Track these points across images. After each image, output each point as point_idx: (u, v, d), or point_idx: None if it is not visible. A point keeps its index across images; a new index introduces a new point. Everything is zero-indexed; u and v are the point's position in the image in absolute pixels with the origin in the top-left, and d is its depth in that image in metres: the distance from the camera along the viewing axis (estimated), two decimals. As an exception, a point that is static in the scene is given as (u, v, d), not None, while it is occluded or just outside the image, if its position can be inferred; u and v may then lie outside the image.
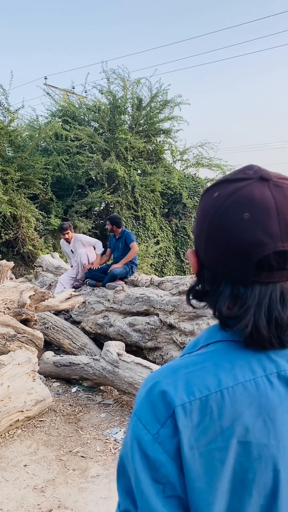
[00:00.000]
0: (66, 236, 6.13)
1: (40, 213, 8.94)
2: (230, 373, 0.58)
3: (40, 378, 3.78)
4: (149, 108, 11.35)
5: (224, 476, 0.55)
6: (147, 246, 10.56)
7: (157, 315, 4.78)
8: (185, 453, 0.55)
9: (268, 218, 0.58)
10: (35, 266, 7.60)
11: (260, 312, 0.59)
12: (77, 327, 5.40)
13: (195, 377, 0.59)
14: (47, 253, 8.11)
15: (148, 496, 0.55)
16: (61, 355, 4.61)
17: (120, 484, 0.62)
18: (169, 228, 11.92)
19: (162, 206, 11.90)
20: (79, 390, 4.09)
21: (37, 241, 8.68)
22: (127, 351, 4.17)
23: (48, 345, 4.98)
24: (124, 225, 10.17)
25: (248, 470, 0.56)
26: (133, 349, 4.85)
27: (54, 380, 4.31)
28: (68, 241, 6.19)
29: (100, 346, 4.88)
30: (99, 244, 6.29)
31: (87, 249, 6.15)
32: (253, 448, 0.56)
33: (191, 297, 0.68)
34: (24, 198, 8.54)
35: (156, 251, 10.90)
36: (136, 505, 0.58)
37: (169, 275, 10.97)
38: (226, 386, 0.57)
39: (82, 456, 2.95)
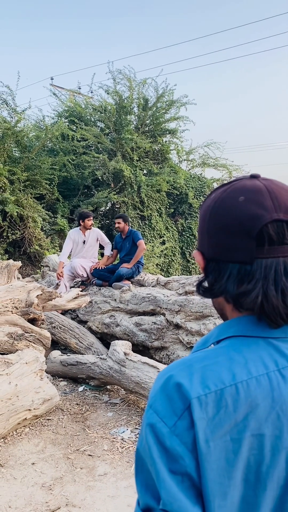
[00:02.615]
0: (90, 223, 6.03)
1: (46, 213, 8.97)
2: (244, 367, 0.60)
3: (47, 377, 3.81)
4: (155, 108, 11.35)
5: (238, 468, 0.57)
6: (153, 246, 10.56)
7: (164, 315, 4.79)
8: (200, 445, 0.56)
9: (261, 196, 0.64)
10: (41, 266, 7.63)
11: (268, 284, 0.62)
12: (83, 326, 5.42)
13: (210, 371, 0.60)
14: (54, 253, 8.14)
15: (170, 487, 0.56)
16: (68, 354, 4.63)
17: (139, 480, 0.62)
18: (175, 228, 11.92)
19: (168, 206, 11.90)
20: (86, 389, 4.11)
21: (44, 241, 8.70)
22: (134, 350, 4.18)
23: (55, 344, 5.01)
24: (131, 225, 10.18)
25: (262, 462, 0.57)
26: (140, 348, 4.87)
27: (61, 379, 4.33)
28: (86, 228, 6.07)
29: (107, 345, 4.90)
30: (109, 245, 6.28)
31: (89, 256, 6.14)
32: (266, 441, 0.58)
33: (200, 293, 0.71)
34: (30, 198, 8.58)
35: (162, 251, 10.89)
36: (157, 499, 0.58)
37: (175, 275, 10.96)
38: (241, 380, 0.59)
39: (89, 455, 2.96)
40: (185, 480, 0.56)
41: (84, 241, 6.13)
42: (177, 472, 0.56)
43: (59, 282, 5.81)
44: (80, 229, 6.15)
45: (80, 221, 6.11)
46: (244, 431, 0.57)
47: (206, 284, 0.70)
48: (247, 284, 0.63)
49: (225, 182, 0.72)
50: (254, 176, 0.69)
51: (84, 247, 6.13)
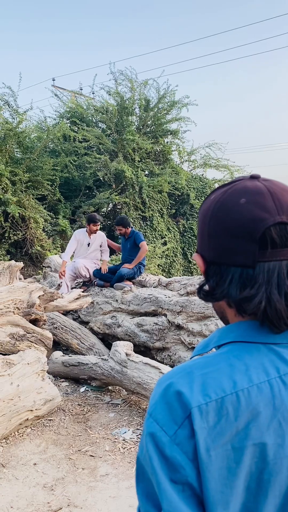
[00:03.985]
0: (95, 228, 5.97)
1: (48, 214, 8.99)
2: (245, 375, 0.59)
3: (49, 378, 3.81)
4: (156, 109, 11.36)
5: (240, 477, 0.56)
6: (154, 247, 10.56)
7: (165, 315, 4.79)
8: (201, 454, 0.55)
9: (263, 198, 0.63)
10: (43, 266, 7.64)
11: (272, 288, 0.61)
12: (85, 327, 5.42)
13: (210, 379, 0.59)
14: (55, 254, 8.14)
15: (171, 497, 0.55)
16: (70, 355, 4.64)
17: (139, 489, 0.61)
18: (176, 229, 11.92)
19: (169, 207, 11.90)
20: (88, 390, 4.12)
21: (45, 241, 8.72)
22: (135, 351, 4.18)
23: (57, 345, 5.01)
24: (132, 226, 10.18)
25: (264, 470, 0.57)
26: (141, 349, 4.87)
27: (62, 380, 4.34)
28: (92, 232, 6.03)
29: (108, 346, 4.90)
30: (108, 252, 6.27)
31: (91, 258, 6.12)
32: (268, 449, 0.57)
33: (202, 296, 0.70)
34: (32, 199, 8.59)
35: (163, 251, 10.89)
36: (157, 508, 0.58)
37: (177, 275, 10.96)
38: (242, 388, 0.58)
39: (91, 455, 2.97)
40: (186, 490, 0.56)
41: (89, 243, 6.10)
42: (178, 481, 0.56)
43: (61, 282, 5.81)
44: (86, 230, 6.11)
45: (88, 224, 6.05)
46: (245, 440, 0.56)
47: (207, 287, 0.69)
48: (250, 289, 0.61)
49: (225, 182, 0.71)
50: (254, 177, 0.67)
51: (89, 250, 6.11)
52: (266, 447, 0.57)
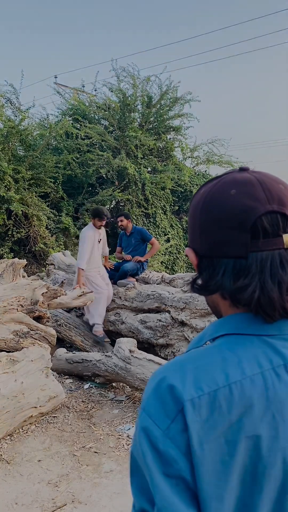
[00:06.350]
0: (101, 224, 5.39)
1: (51, 212, 8.98)
2: (238, 367, 0.58)
3: (53, 375, 3.82)
4: (159, 105, 11.31)
5: (234, 470, 0.55)
6: (157, 244, 10.54)
7: (169, 312, 4.79)
8: (194, 448, 0.55)
9: (253, 188, 0.62)
10: (46, 264, 7.65)
11: (265, 277, 0.60)
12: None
13: (203, 372, 0.59)
14: (59, 251, 8.15)
15: (164, 491, 0.55)
16: (74, 352, 4.64)
17: (134, 483, 0.61)
18: (179, 226, 11.90)
19: (172, 204, 11.88)
20: (92, 387, 4.12)
21: (49, 239, 8.72)
22: (139, 348, 4.18)
23: (61, 342, 5.02)
24: (135, 222, 10.17)
25: (258, 463, 0.56)
26: (145, 346, 4.87)
27: (66, 376, 4.35)
28: (100, 227, 5.45)
29: (112, 343, 4.90)
30: (106, 243, 6.06)
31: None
32: (262, 442, 0.56)
33: (195, 290, 0.69)
34: (35, 196, 8.59)
35: (166, 248, 10.89)
36: (152, 503, 0.57)
37: (180, 272, 10.95)
38: (234, 380, 0.57)
39: (95, 452, 2.97)
40: (180, 483, 0.55)
41: (100, 240, 5.55)
42: (171, 475, 0.55)
43: (65, 279, 5.74)
44: (94, 226, 5.47)
45: (93, 218, 5.45)
46: (239, 433, 0.56)
47: (200, 281, 0.68)
48: (243, 279, 0.61)
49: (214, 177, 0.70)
50: (243, 169, 0.67)
51: (99, 246, 5.56)
52: (260, 439, 0.56)
